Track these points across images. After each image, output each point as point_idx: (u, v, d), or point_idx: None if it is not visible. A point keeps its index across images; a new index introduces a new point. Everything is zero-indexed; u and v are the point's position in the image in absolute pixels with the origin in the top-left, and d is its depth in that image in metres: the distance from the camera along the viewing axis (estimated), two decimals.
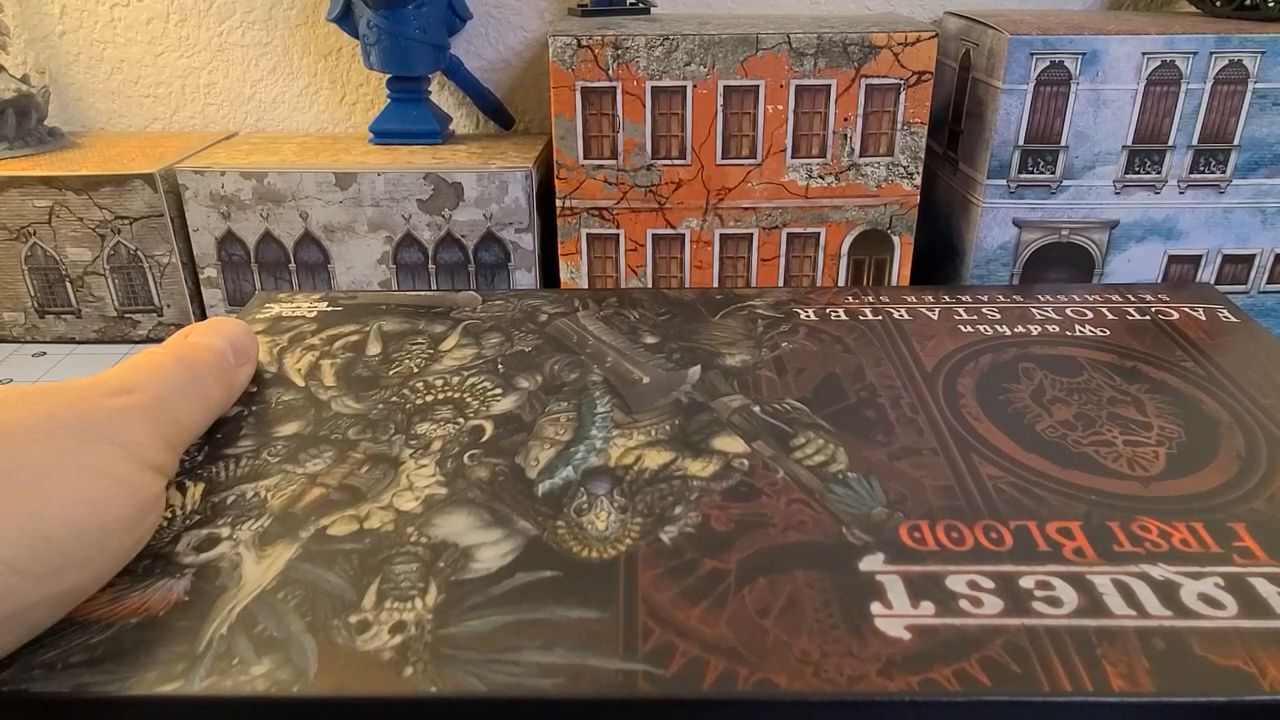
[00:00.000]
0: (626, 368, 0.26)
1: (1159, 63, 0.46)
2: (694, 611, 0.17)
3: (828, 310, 0.29)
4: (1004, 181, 0.48)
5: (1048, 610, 0.17)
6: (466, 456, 0.22)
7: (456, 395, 0.25)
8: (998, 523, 0.19)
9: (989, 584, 0.18)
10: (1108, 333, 0.28)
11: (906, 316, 0.29)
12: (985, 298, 0.31)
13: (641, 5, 0.56)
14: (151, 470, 0.20)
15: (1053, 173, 0.48)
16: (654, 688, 0.16)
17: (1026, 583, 0.18)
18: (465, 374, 0.26)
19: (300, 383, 0.26)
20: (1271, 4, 0.49)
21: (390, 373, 0.26)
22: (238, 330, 0.26)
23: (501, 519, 0.20)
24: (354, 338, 0.28)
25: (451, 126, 0.60)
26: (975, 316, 0.29)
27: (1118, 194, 0.48)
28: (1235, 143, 0.47)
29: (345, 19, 0.56)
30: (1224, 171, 0.48)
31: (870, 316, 0.29)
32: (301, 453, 0.23)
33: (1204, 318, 0.29)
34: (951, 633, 0.17)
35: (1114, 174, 0.48)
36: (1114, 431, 0.23)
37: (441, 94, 0.64)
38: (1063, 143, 0.47)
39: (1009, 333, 0.28)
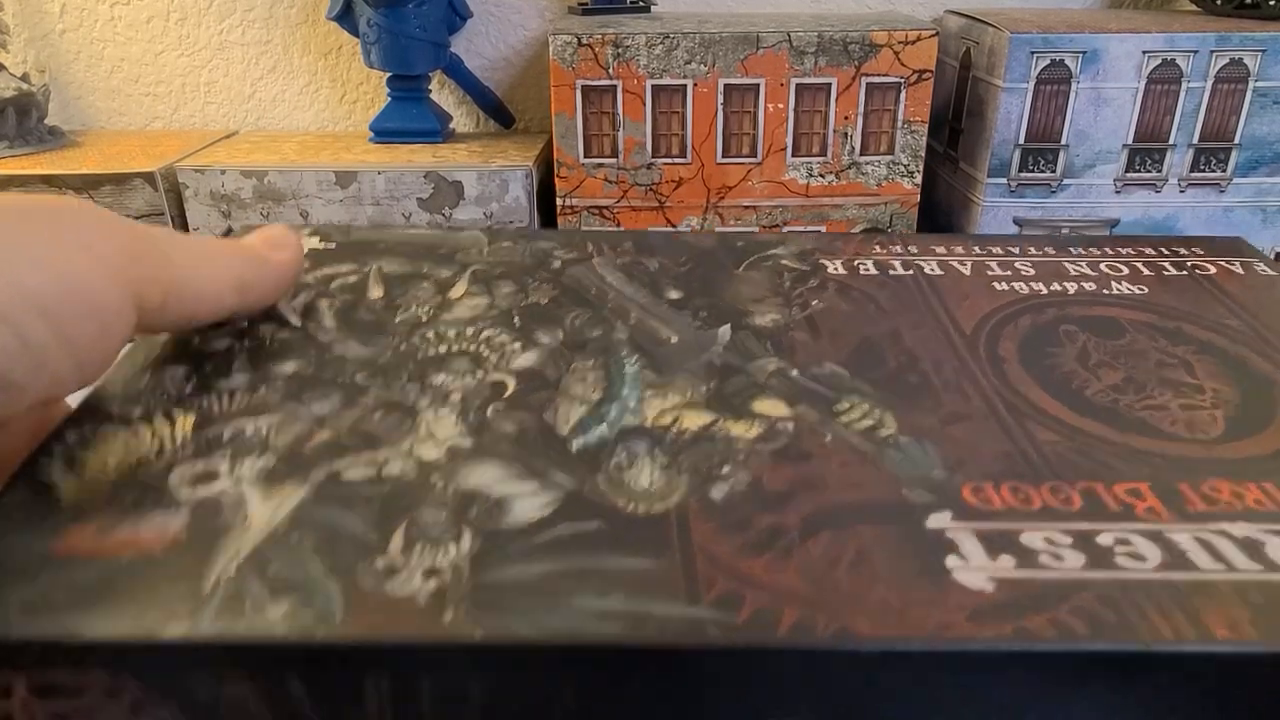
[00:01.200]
0: (653, 325, 0.24)
1: (1159, 61, 0.46)
2: (758, 563, 0.16)
3: (855, 263, 0.28)
4: (1004, 180, 0.48)
5: (1132, 565, 0.16)
6: (490, 410, 0.20)
7: (472, 348, 0.23)
8: (1064, 484, 0.19)
9: (1066, 540, 0.17)
10: (1146, 290, 0.27)
11: (938, 271, 0.28)
12: (1016, 249, 0.29)
13: (642, 4, 0.56)
14: (111, 271, 0.18)
15: (1053, 171, 0.48)
16: (725, 635, 0.15)
17: (1105, 540, 0.17)
18: (480, 325, 0.24)
19: (296, 321, 0.24)
20: (1272, 2, 0.49)
21: (396, 320, 0.24)
22: (273, 227, 0.24)
23: (536, 472, 0.18)
24: (352, 279, 0.26)
25: (452, 125, 0.60)
26: (1009, 273, 0.28)
27: (1118, 192, 0.48)
28: (1235, 141, 0.47)
29: (345, 17, 0.56)
30: (1224, 170, 0.48)
31: (900, 270, 0.28)
32: (305, 393, 0.21)
33: (1241, 271, 0.28)
34: (1036, 585, 0.16)
35: (1114, 172, 0.48)
36: (1166, 395, 0.22)
37: (442, 92, 0.64)
38: (1063, 141, 0.47)
39: (1045, 290, 0.27)
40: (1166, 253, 0.30)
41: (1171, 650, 0.15)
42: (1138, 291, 0.27)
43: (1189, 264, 0.29)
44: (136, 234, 0.19)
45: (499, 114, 0.63)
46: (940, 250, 0.29)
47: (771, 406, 0.21)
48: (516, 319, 0.25)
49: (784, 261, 0.29)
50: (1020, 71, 0.46)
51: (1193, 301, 0.27)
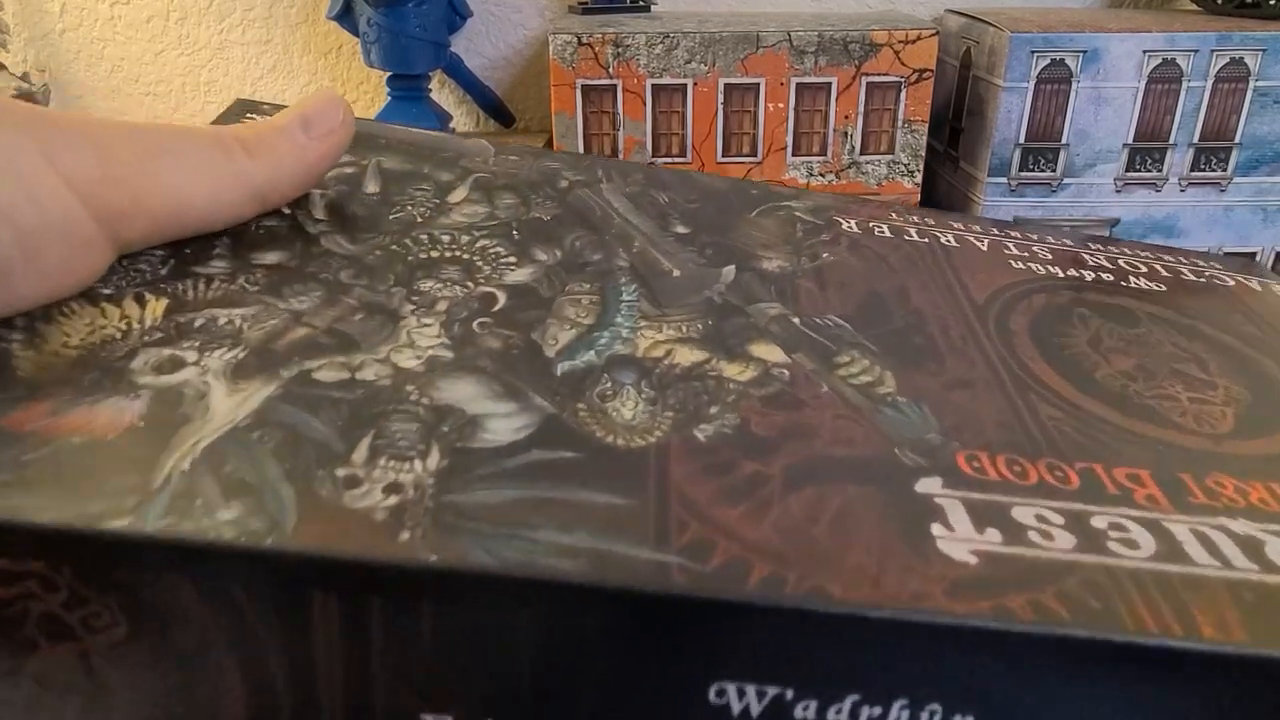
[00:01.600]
0: (655, 256, 0.23)
1: (1160, 60, 0.46)
2: (734, 511, 0.15)
3: (871, 225, 0.27)
4: (1005, 179, 0.48)
5: (1125, 552, 0.15)
6: (476, 324, 0.19)
7: (465, 256, 0.22)
8: (1062, 462, 0.18)
9: (1059, 519, 0.16)
10: (1164, 289, 0.26)
11: (954, 243, 0.27)
12: (1035, 236, 0.29)
13: (642, 3, 0.56)
14: (82, 196, 0.16)
15: (1053, 171, 0.48)
16: (691, 582, 0.14)
17: (1099, 523, 0.16)
18: (476, 234, 0.23)
19: (285, 210, 0.22)
20: (1273, 1, 0.49)
21: (390, 217, 0.23)
22: (318, 99, 0.21)
23: (515, 392, 0.17)
24: (349, 170, 0.25)
25: (452, 125, 0.60)
26: (1026, 254, 0.27)
27: (1119, 192, 0.48)
28: (1236, 141, 0.47)
29: (345, 17, 0.56)
30: (1225, 170, 0.48)
31: (916, 237, 0.27)
32: (285, 287, 0.20)
33: (1259, 288, 0.27)
34: (1022, 563, 0.15)
35: (1115, 172, 0.48)
36: (1177, 387, 0.21)
37: (442, 92, 0.64)
38: (1063, 141, 0.47)
39: (1061, 275, 0.26)
40: (1184, 261, 0.29)
41: (1154, 644, 0.14)
42: (1155, 288, 0.27)
43: (1207, 274, 0.28)
44: (121, 150, 0.17)
45: (499, 113, 0.63)
46: (958, 226, 0.28)
47: (768, 351, 0.20)
48: (515, 232, 0.23)
49: (798, 213, 0.27)
50: (1020, 71, 0.46)
51: (1210, 305, 0.26)
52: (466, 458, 0.16)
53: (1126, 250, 0.29)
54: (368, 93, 0.65)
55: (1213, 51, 0.45)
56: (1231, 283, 0.28)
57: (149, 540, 0.13)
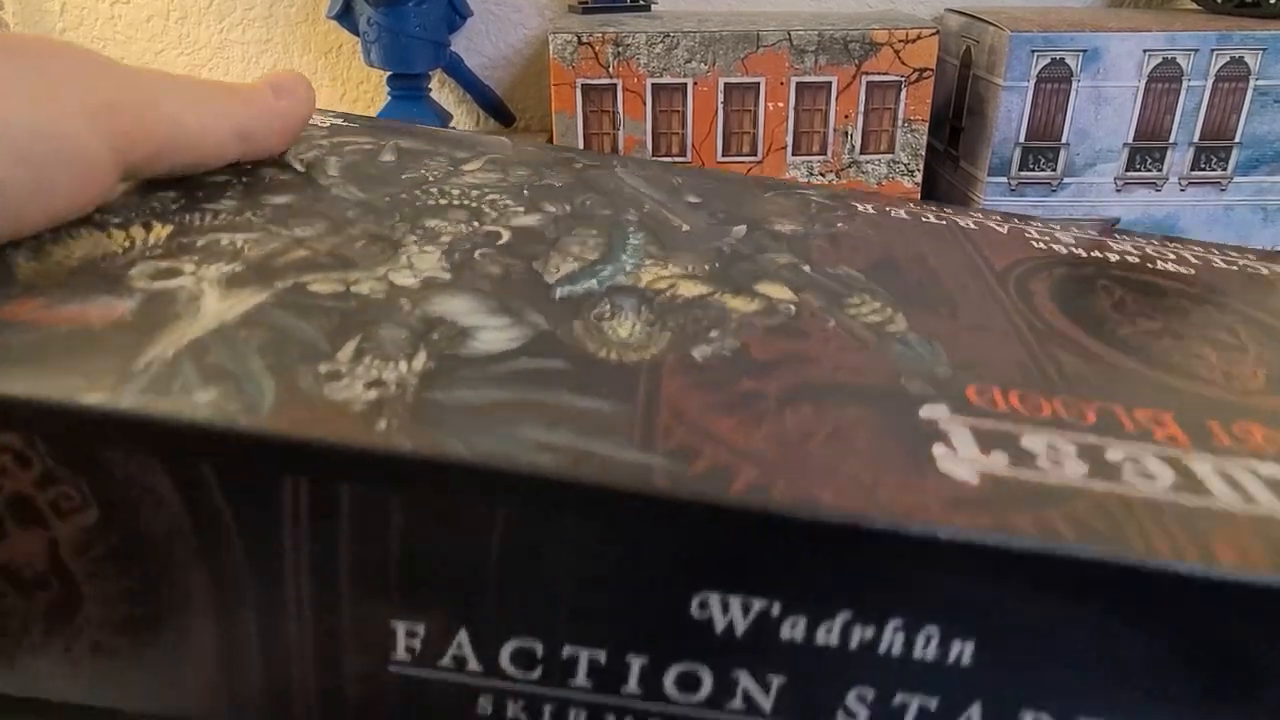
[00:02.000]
0: (665, 214, 0.23)
1: (1160, 60, 0.46)
2: (726, 421, 0.15)
3: (888, 208, 0.26)
4: (1005, 179, 0.48)
5: (1140, 482, 0.14)
6: (478, 253, 0.19)
7: (474, 205, 0.22)
8: (1080, 400, 0.16)
9: (1071, 449, 0.15)
10: (1193, 272, 0.25)
11: (973, 226, 0.26)
12: (1057, 227, 0.27)
13: (642, 2, 0.56)
14: (90, 119, 0.17)
15: (1054, 170, 0.48)
16: (672, 484, 0.13)
17: (1114, 455, 0.15)
18: (486, 190, 0.23)
19: (300, 168, 0.23)
20: (1273, 1, 0.49)
21: (403, 176, 0.23)
22: (282, 74, 0.23)
23: (510, 309, 0.17)
24: (367, 146, 0.25)
25: (452, 124, 0.60)
26: (1048, 238, 0.26)
27: (1119, 191, 0.48)
28: (1236, 140, 0.47)
29: (345, 16, 0.56)
30: (1225, 169, 0.48)
31: (934, 220, 0.26)
32: (291, 219, 0.20)
33: None
34: (1029, 486, 0.14)
35: (1115, 171, 0.48)
36: (1206, 348, 0.20)
37: (442, 91, 0.64)
38: (1064, 140, 0.47)
39: (1084, 255, 0.25)
40: (1215, 251, 0.28)
41: (1165, 569, 0.13)
42: (1185, 271, 0.25)
43: (1240, 263, 0.27)
44: (123, 81, 0.18)
45: (499, 113, 0.63)
46: (976, 215, 0.28)
47: (776, 290, 0.19)
48: (526, 192, 0.24)
49: (813, 198, 0.27)
50: (1021, 70, 0.46)
51: (1243, 288, 0.25)
52: (453, 361, 0.15)
53: (1155, 241, 0.28)
54: (368, 92, 0.65)
55: (1213, 51, 0.45)
56: (1266, 271, 0.26)
57: (123, 416, 0.13)
